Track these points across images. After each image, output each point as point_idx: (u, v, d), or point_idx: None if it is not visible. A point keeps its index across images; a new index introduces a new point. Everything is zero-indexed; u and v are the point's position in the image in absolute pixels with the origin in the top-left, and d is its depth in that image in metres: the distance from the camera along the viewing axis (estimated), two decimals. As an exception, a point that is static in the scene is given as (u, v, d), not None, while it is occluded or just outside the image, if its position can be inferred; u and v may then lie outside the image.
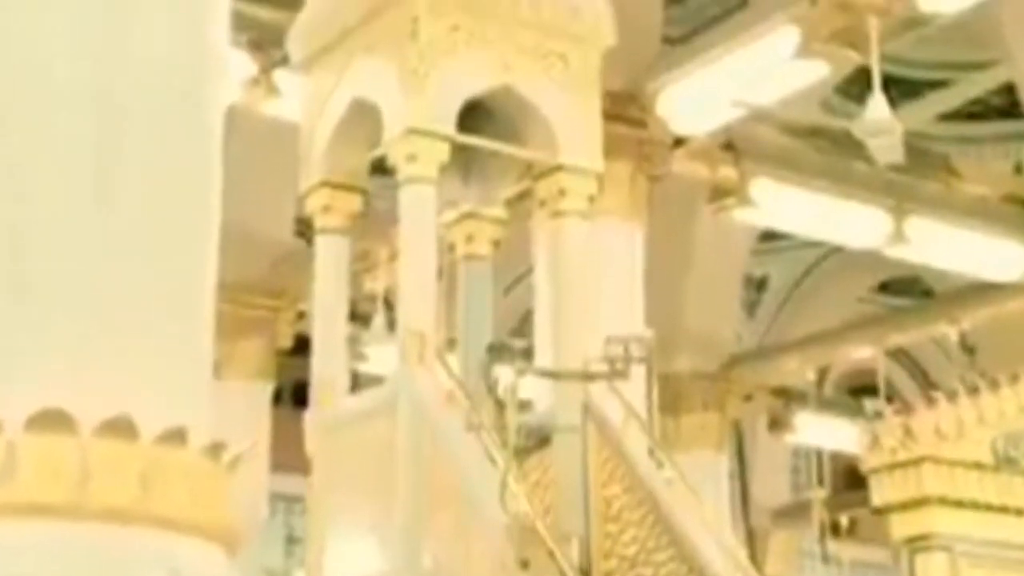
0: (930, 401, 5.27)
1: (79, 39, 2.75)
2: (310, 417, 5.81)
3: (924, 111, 10.73)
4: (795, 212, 9.09)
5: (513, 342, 5.52)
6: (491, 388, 5.31)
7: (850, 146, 8.60)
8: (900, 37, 7.04)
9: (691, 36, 10.39)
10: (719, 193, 8.55)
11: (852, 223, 9.13)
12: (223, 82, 2.98)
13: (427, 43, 5.73)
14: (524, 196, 6.17)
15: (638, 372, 5.50)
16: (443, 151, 5.66)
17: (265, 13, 7.52)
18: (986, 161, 11.13)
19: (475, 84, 5.80)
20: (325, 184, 6.05)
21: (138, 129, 2.74)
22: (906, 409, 5.25)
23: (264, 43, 7.47)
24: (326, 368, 5.91)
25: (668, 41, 8.99)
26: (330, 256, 6.08)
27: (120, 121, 2.67)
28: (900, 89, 10.75)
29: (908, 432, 5.08)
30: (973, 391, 5.26)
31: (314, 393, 5.88)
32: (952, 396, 5.26)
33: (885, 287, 13.67)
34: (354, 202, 6.08)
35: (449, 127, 5.68)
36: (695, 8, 12.15)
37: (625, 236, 7.94)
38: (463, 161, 5.97)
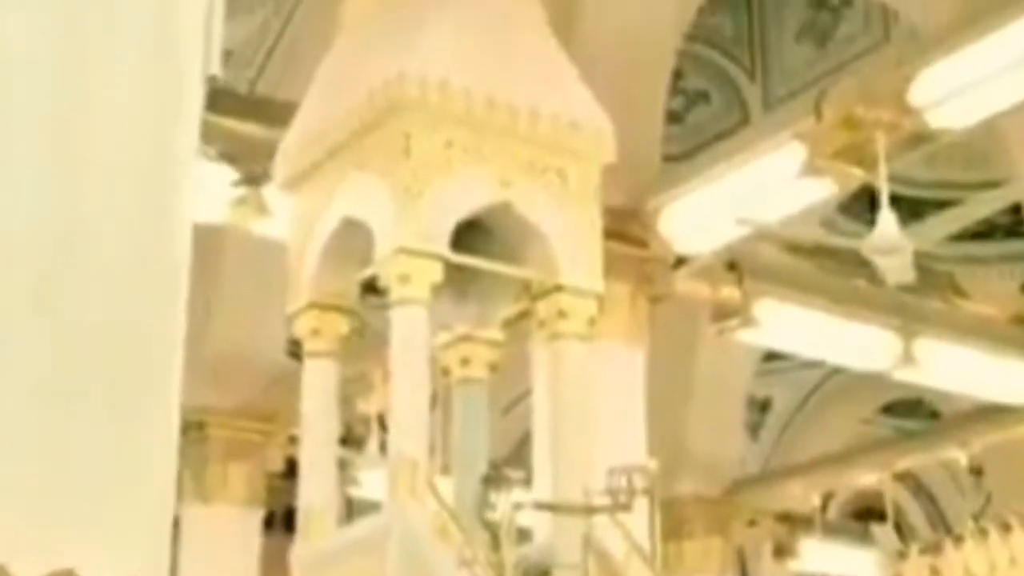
0: (957, 540, 5.00)
1: (28, 164, 2.50)
2: (296, 553, 5.54)
3: (929, 231, 10.54)
4: (800, 333, 8.86)
5: (510, 473, 5.25)
6: (486, 522, 5.03)
7: (855, 265, 8.40)
8: (907, 154, 6.84)
9: (691, 154, 10.25)
10: (722, 314, 8.31)
11: (859, 344, 8.89)
12: (191, 200, 2.72)
13: (420, 160, 5.54)
14: (522, 317, 5.95)
15: (640, 500, 5.25)
16: (436, 271, 5.45)
17: (255, 129, 7.34)
18: (993, 281, 10.93)
19: (470, 202, 5.61)
20: (313, 306, 5.83)
21: (93, 258, 2.48)
22: (932, 548, 4.97)
23: (254, 160, 7.26)
24: (315, 497, 5.66)
25: (668, 159, 8.82)
26: (318, 380, 5.85)
27: (71, 252, 2.42)
28: (904, 208, 10.58)
29: (935, 573, 4.80)
30: (1005, 529, 4.99)
31: (301, 524, 5.62)
32: (980, 534, 4.99)
33: (889, 409, 13.42)
34: (343, 325, 5.87)
35: (443, 246, 5.47)
36: (694, 126, 12.04)
37: (626, 359, 7.71)
38: (458, 281, 5.74)
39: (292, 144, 6.12)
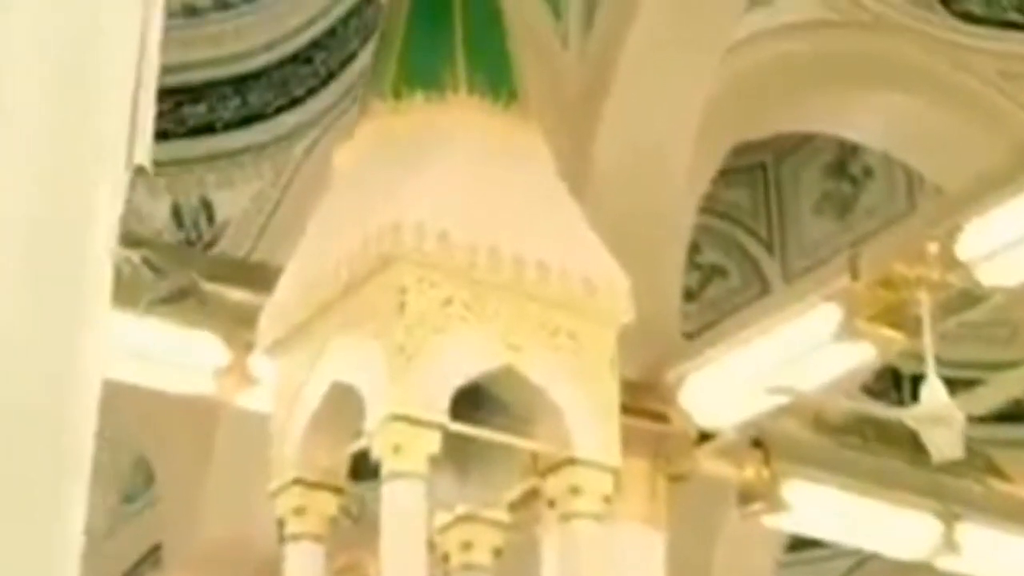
0: None
1: None
2: None
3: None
4: (832, 517, 8.20)
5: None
6: None
7: (885, 443, 7.88)
8: (953, 317, 6.26)
9: (708, 330, 9.76)
10: (747, 495, 7.68)
11: (896, 529, 8.23)
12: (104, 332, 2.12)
13: (416, 318, 4.97)
14: (530, 496, 5.32)
15: None
16: (434, 442, 4.84)
17: (244, 296, 6.80)
18: (1026, 464, 10.32)
19: (472, 365, 5.01)
20: (298, 482, 5.22)
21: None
22: None
23: (241, 327, 6.71)
24: None
25: (684, 336, 8.32)
26: (302, 567, 5.22)
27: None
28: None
29: None
30: None
31: None
32: None
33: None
34: (331, 504, 5.25)
35: (441, 414, 4.87)
36: (711, 302, 11.56)
37: (644, 543, 7.07)
38: (458, 454, 5.11)
39: (277, 304, 5.56)
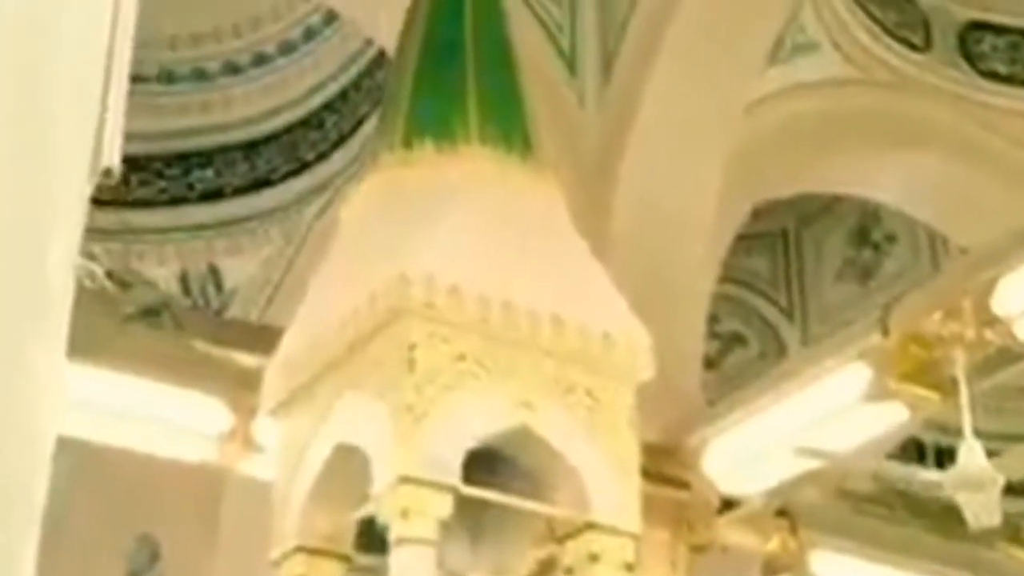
0: None
1: None
2: None
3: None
4: (861, 591, 7.88)
5: None
6: None
7: (917, 513, 7.62)
8: (989, 376, 5.97)
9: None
10: (773, 567, 7.37)
11: (929, 603, 7.92)
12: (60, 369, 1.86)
13: (426, 375, 4.70)
14: (547, 564, 5.03)
15: None
16: (445, 505, 4.56)
17: (247, 359, 6.55)
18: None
19: (485, 424, 4.74)
20: (301, 550, 4.94)
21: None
22: None
23: (246, 391, 6.45)
24: None
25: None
26: (306, 641, 4.93)
27: None
28: (938, 458, 9.88)
29: None
30: None
31: None
32: None
33: None
34: (336, 573, 4.96)
35: (452, 476, 4.59)
36: (730, 372, 11.30)
37: (666, 617, 6.76)
38: (471, 518, 4.82)
39: (280, 364, 5.31)
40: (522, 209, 5.12)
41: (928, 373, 5.80)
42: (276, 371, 5.32)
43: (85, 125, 1.94)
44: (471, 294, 4.82)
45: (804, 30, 8.32)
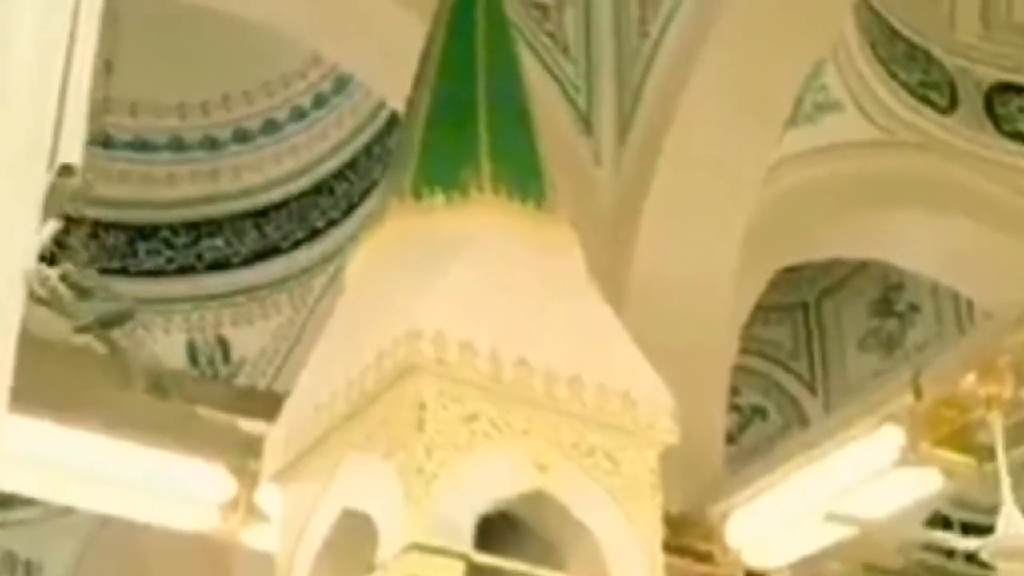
0: None
1: None
2: None
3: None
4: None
5: None
6: None
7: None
8: (1026, 440, 5.70)
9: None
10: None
11: None
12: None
13: (436, 436, 4.44)
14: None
15: None
16: (455, 574, 4.28)
17: (250, 425, 6.31)
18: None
19: (499, 488, 4.47)
20: (306, 621, 4.68)
21: None
22: None
23: (248, 459, 6.21)
24: None
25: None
26: None
27: None
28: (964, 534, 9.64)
29: None
30: None
31: None
32: None
33: None
34: (343, 645, 4.70)
35: (464, 543, 4.33)
36: (750, 445, 11.03)
37: None
38: (483, 588, 4.57)
39: (283, 427, 5.06)
40: (538, 260, 4.89)
41: (963, 437, 5.53)
42: (279, 435, 5.07)
43: (42, 120, 1.71)
44: (484, 350, 4.57)
45: (826, 89, 8.12)
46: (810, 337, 11.30)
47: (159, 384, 6.52)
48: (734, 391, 9.81)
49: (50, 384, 6.08)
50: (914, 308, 10.81)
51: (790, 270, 9.94)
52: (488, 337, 4.60)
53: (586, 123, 7.62)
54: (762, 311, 9.44)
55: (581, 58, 7.62)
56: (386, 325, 4.67)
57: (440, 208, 4.99)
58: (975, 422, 5.49)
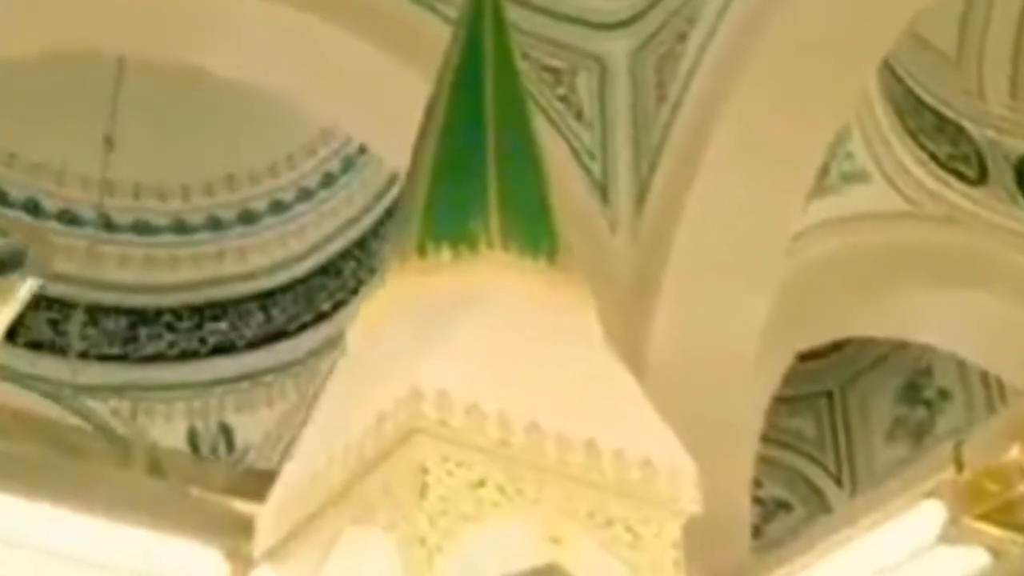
0: None
1: None
2: None
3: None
4: None
5: None
6: None
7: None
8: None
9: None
10: None
11: None
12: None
13: (440, 503, 4.11)
14: None
15: None
16: (463, 654, 3.96)
17: (244, 506, 5.98)
18: None
19: (508, 562, 4.12)
20: None
21: None
22: None
23: (243, 540, 5.86)
24: None
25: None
26: None
27: None
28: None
29: None
30: None
31: None
32: None
33: None
34: None
35: (470, 620, 4.00)
36: (774, 539, 10.65)
37: None
38: (492, 671, 4.20)
39: (277, 501, 4.72)
40: (550, 319, 4.57)
41: (1009, 512, 5.17)
42: (272, 510, 4.74)
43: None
44: (491, 412, 4.25)
45: (852, 158, 7.84)
46: (835, 427, 11.01)
47: (158, 464, 6.25)
48: (757, 483, 9.47)
49: (47, 463, 5.84)
50: (943, 395, 10.50)
51: (813, 357, 9.63)
52: (496, 398, 4.28)
53: (602, 191, 7.34)
54: (785, 402, 9.14)
55: (596, 123, 7.35)
56: (387, 386, 4.35)
57: (446, 265, 4.68)
58: (1021, 496, 5.15)
